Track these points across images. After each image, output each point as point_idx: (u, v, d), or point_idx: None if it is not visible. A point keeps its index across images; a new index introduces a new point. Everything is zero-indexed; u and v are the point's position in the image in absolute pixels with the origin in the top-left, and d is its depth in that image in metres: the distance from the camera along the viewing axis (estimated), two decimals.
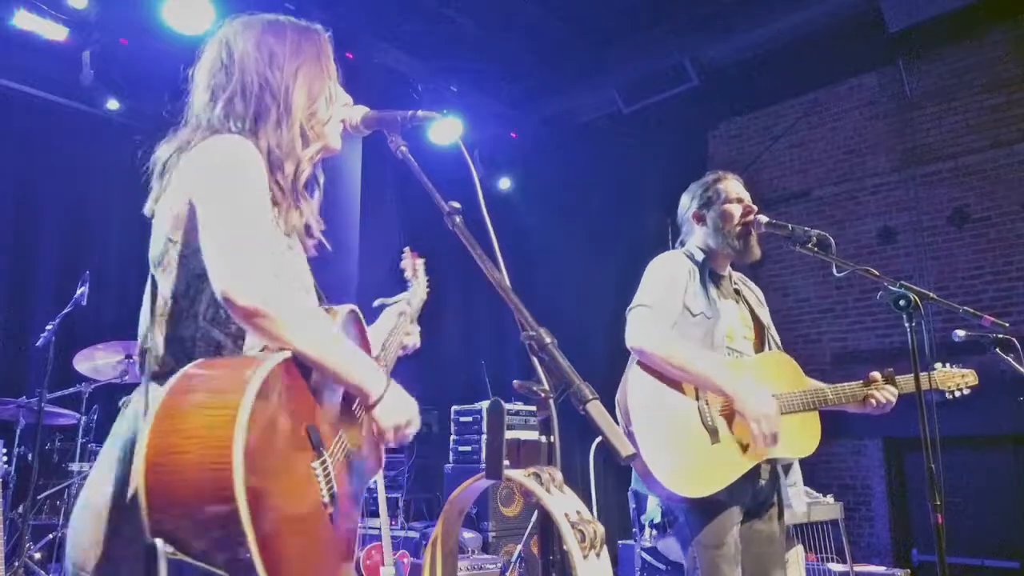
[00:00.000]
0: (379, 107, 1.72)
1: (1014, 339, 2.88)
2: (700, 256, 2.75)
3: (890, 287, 2.42)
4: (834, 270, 2.57)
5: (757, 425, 2.41)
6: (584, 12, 6.36)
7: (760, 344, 2.77)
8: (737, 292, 2.83)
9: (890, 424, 3.41)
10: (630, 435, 2.42)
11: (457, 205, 1.49)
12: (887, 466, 6.82)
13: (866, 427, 6.33)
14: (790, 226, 2.62)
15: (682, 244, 2.87)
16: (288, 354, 1.30)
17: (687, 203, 2.85)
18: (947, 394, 2.73)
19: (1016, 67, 6.52)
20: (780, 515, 2.64)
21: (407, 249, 2.32)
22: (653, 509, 2.74)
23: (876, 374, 2.64)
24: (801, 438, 2.56)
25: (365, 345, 1.69)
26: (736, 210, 2.73)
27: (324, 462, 1.34)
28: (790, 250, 2.65)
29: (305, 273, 1.61)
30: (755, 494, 2.55)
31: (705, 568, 2.41)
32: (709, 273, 2.74)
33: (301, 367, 1.33)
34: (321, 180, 1.68)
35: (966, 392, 2.75)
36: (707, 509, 2.44)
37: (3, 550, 3.54)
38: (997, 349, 2.98)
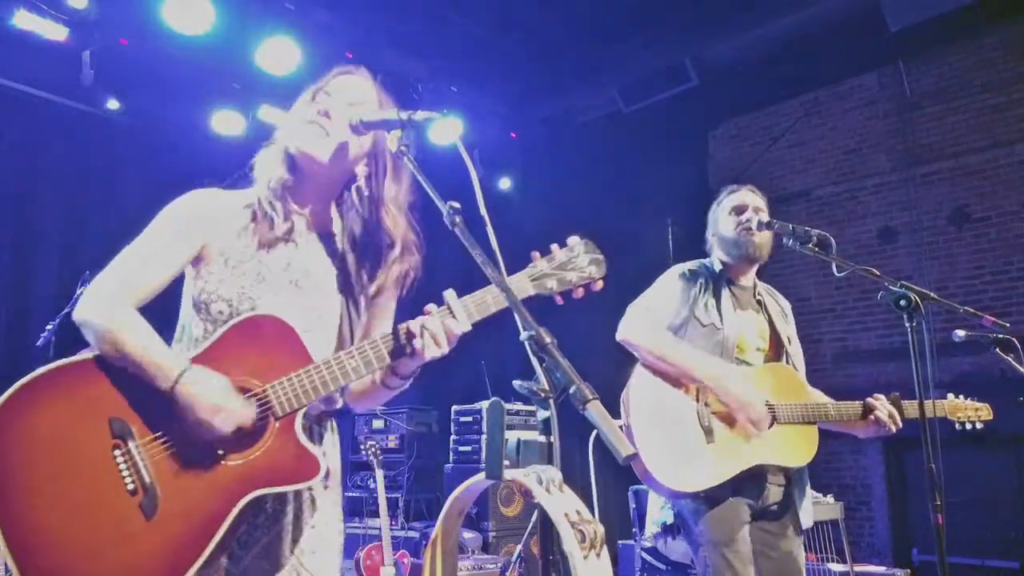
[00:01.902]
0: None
1: (1014, 339, 2.88)
2: (718, 267, 2.81)
3: (891, 287, 2.42)
4: (834, 270, 2.58)
5: (741, 412, 2.46)
6: (584, 12, 6.35)
7: (776, 358, 2.76)
8: (760, 303, 2.83)
9: None
10: (628, 432, 2.45)
11: (457, 205, 1.49)
12: (887, 466, 6.81)
13: None
14: (791, 226, 2.63)
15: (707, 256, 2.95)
16: (85, 356, 1.52)
17: (708, 222, 2.94)
18: (956, 425, 2.73)
19: (1016, 67, 6.51)
20: (798, 531, 2.63)
21: None
22: (664, 511, 2.75)
23: (879, 396, 2.64)
24: (796, 448, 2.56)
25: (289, 350, 1.56)
26: (731, 222, 2.79)
27: (128, 452, 1.42)
28: (790, 250, 2.66)
29: (270, 278, 1.65)
30: (764, 497, 2.55)
31: (716, 566, 2.41)
32: (727, 283, 2.78)
33: (110, 369, 1.50)
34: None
35: (979, 426, 2.74)
36: (713, 506, 2.46)
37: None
38: (997, 349, 2.98)
